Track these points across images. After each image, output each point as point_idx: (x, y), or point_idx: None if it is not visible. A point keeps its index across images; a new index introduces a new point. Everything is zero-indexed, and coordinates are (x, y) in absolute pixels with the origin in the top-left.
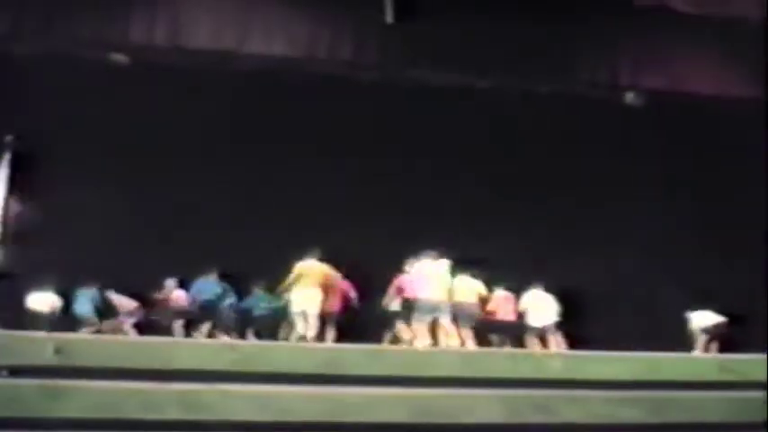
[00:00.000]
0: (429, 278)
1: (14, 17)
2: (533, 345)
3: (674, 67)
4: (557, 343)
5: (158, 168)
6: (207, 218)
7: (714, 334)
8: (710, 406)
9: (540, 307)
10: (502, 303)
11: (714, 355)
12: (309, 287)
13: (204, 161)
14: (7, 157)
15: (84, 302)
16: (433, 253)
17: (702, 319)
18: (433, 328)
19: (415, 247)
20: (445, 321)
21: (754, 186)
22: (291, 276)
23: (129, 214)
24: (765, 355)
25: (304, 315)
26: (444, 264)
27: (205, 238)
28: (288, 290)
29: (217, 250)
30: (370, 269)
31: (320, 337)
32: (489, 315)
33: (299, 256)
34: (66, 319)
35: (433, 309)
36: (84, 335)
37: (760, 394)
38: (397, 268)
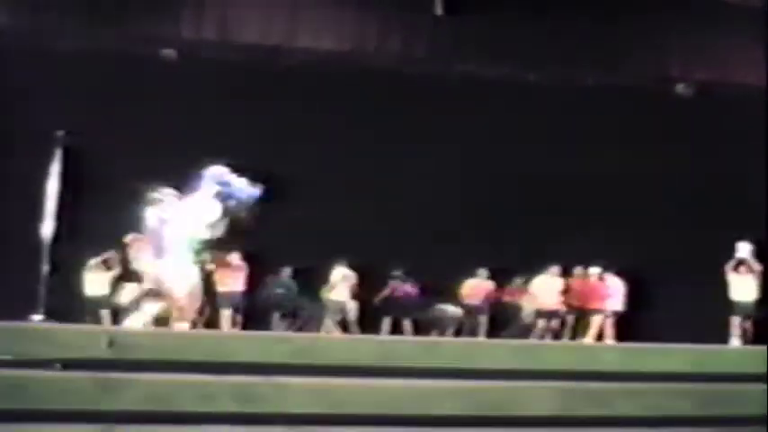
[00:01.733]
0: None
1: (63, 13)
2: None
3: (723, 58)
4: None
5: (207, 163)
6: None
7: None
8: (765, 399)
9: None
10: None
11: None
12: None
13: (252, 156)
14: (58, 152)
15: None
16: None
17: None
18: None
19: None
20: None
21: None
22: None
23: None
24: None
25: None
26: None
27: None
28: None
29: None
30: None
31: None
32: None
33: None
34: None
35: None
36: (137, 327)
37: None
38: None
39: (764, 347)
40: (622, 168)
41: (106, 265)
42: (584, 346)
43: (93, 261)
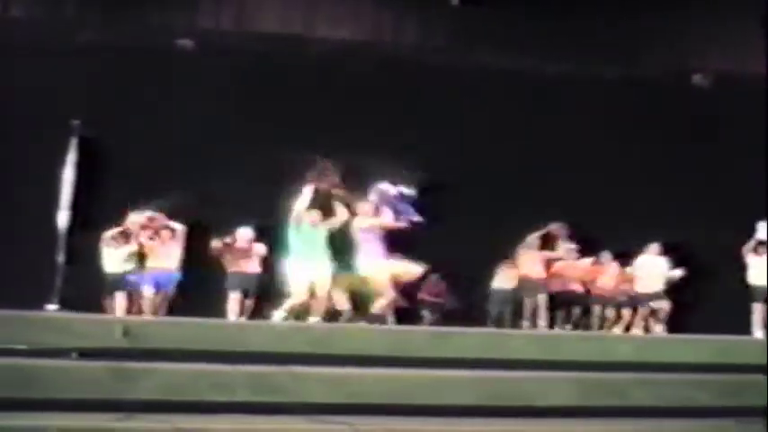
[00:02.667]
0: None
1: (80, 4)
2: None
3: (741, 48)
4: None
5: (225, 153)
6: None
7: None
8: None
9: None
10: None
11: None
12: None
13: (271, 146)
14: (74, 141)
15: None
16: None
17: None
18: None
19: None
20: None
21: None
22: None
23: (192, 198)
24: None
25: None
26: None
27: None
28: None
29: None
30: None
31: None
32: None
33: None
34: None
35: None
36: (152, 317)
37: None
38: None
39: None
40: (639, 159)
41: (124, 237)
42: (600, 337)
43: (110, 233)
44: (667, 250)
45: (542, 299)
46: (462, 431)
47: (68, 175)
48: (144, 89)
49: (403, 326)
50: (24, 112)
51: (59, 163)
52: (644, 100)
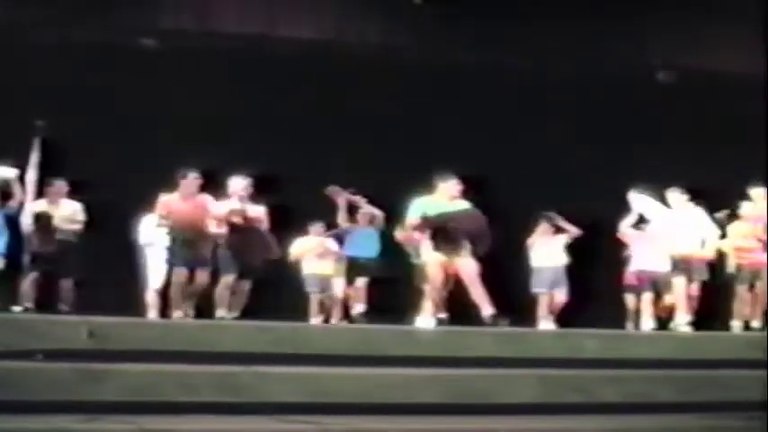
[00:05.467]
0: None
1: (42, 4)
2: None
3: (705, 45)
4: None
5: (190, 153)
6: None
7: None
8: (749, 385)
9: None
10: None
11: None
12: None
13: (233, 146)
14: (37, 142)
15: None
16: None
17: None
18: None
19: None
20: None
21: None
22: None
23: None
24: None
25: None
26: None
27: None
28: None
29: None
30: None
31: None
32: None
33: None
34: None
35: None
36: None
37: None
38: None
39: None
40: (604, 156)
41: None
42: (566, 333)
43: None
44: None
45: None
46: (428, 429)
47: (31, 177)
48: (107, 89)
49: (369, 324)
50: None
51: (22, 163)
52: (608, 97)
